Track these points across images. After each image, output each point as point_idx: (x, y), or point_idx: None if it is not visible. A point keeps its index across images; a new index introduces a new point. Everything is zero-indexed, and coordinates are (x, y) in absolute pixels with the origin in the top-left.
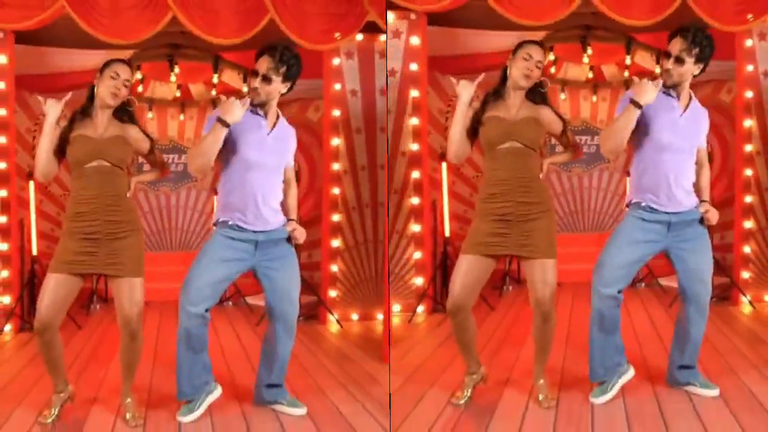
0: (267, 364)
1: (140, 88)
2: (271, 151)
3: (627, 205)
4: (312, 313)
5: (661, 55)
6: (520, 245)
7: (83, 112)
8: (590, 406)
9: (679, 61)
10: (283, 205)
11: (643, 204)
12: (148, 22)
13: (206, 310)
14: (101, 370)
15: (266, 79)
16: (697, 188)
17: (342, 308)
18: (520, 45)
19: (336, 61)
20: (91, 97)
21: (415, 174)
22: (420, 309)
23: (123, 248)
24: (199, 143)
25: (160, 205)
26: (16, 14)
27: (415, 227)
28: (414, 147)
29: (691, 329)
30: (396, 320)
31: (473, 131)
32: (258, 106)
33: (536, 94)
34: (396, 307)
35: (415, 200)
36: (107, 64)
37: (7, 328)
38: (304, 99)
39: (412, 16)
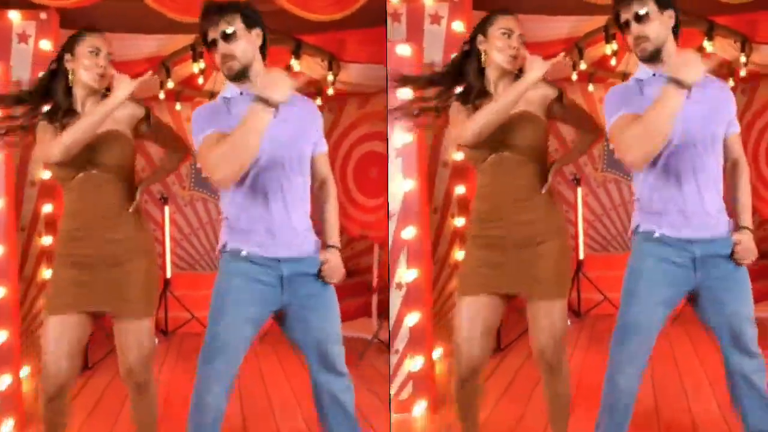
0: (325, 424)
1: (200, 80)
2: (281, 138)
3: (632, 233)
4: None
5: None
6: (519, 280)
7: (67, 112)
8: None
9: (641, 18)
10: (320, 221)
11: (657, 234)
12: None
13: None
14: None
15: (227, 37)
16: (731, 202)
17: None
18: (489, 19)
19: None
20: (67, 90)
21: (460, 189)
22: None
23: (127, 277)
24: (224, 142)
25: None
26: None
27: (460, 254)
28: (458, 156)
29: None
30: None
31: None
32: (238, 80)
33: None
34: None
35: (459, 221)
36: (77, 38)
37: None
38: None
39: None
